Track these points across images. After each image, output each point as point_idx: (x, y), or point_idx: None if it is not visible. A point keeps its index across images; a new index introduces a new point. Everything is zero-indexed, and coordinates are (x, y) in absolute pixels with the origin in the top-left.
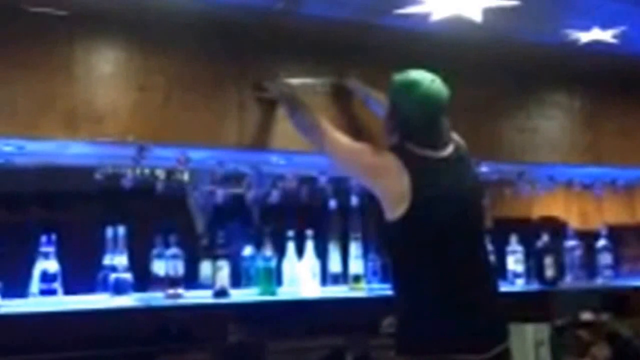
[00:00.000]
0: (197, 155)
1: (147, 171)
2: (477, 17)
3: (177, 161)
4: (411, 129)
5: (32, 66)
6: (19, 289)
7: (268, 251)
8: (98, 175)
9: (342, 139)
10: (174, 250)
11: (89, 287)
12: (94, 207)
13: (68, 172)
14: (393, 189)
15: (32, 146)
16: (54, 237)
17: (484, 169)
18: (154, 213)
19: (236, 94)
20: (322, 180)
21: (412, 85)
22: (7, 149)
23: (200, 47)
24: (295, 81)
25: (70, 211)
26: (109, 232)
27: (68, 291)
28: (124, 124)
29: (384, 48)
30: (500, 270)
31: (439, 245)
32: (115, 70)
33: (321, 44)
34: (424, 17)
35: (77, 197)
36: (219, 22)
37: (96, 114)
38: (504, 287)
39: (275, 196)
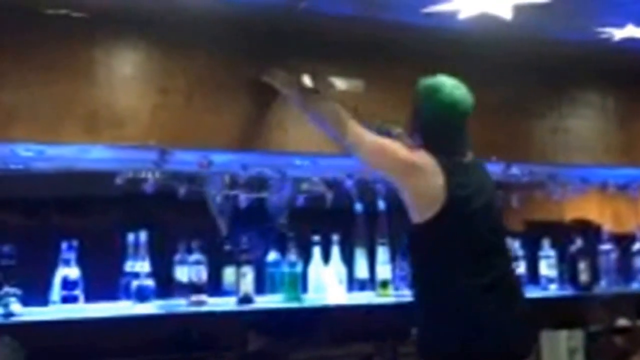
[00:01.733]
0: (219, 158)
1: (169, 175)
2: (507, 14)
3: (199, 165)
4: (433, 133)
5: (52, 69)
6: (40, 297)
7: (293, 256)
8: (119, 180)
9: (369, 133)
10: (196, 256)
11: (111, 294)
12: (115, 213)
13: (89, 177)
14: (426, 189)
15: (52, 151)
16: (75, 243)
17: (514, 170)
18: (177, 218)
19: (259, 95)
20: (349, 183)
21: (437, 89)
22: (28, 154)
23: (222, 47)
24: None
25: (91, 217)
26: (130, 238)
27: (90, 298)
28: (145, 127)
29: (411, 47)
30: (533, 275)
31: (469, 249)
32: (136, 73)
33: (347, 44)
34: (452, 15)
35: (98, 203)
36: (241, 22)
37: (117, 118)
38: (536, 293)
39: (300, 200)
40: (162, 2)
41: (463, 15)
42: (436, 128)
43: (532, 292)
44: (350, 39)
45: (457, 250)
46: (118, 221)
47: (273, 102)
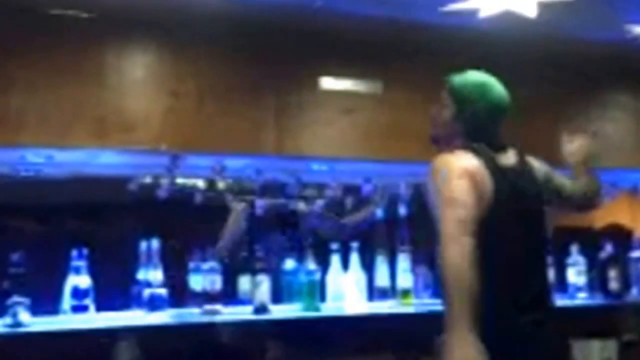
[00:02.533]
0: (233, 163)
1: (184, 181)
2: (531, 12)
3: (212, 170)
4: (479, 131)
5: (61, 73)
6: (50, 306)
7: (311, 264)
8: (132, 186)
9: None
10: (210, 264)
11: (123, 303)
12: (128, 220)
13: (101, 183)
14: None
15: (61, 156)
16: (85, 251)
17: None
18: (190, 225)
19: (274, 98)
20: (367, 188)
21: (490, 88)
22: (37, 159)
23: (235, 50)
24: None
25: (103, 224)
26: (143, 245)
27: (101, 307)
28: (156, 131)
29: (430, 48)
30: (560, 283)
31: (510, 253)
32: (146, 76)
33: (364, 44)
34: (472, 13)
35: (111, 209)
36: (253, 23)
37: (127, 122)
38: (564, 301)
39: (319, 206)
40: (172, 4)
41: (484, 13)
42: (484, 126)
43: (560, 301)
44: (368, 39)
45: (493, 259)
46: (131, 228)
47: (288, 106)
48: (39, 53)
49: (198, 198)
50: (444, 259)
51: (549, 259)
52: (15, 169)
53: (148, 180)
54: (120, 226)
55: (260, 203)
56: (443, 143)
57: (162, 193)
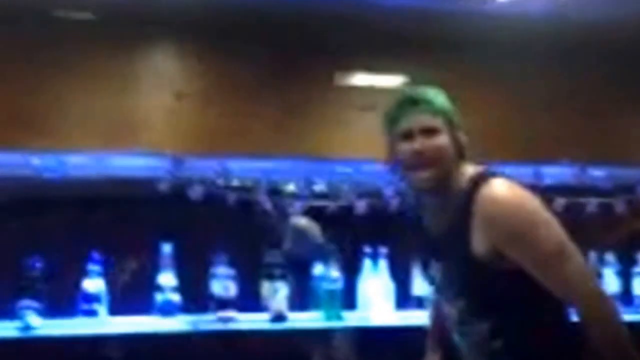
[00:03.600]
0: (239, 166)
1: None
2: None
3: (216, 173)
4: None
5: (64, 76)
6: (66, 309)
7: (334, 271)
8: (162, 187)
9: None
10: (226, 268)
11: (140, 308)
12: (146, 222)
13: (117, 184)
14: None
15: (69, 160)
16: (97, 255)
17: (597, 172)
18: (214, 227)
19: (282, 97)
20: (389, 192)
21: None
22: (49, 163)
23: (242, 47)
24: None
25: (119, 226)
26: (158, 248)
27: (116, 312)
28: (160, 134)
29: (455, 39)
30: (625, 295)
31: None
32: (149, 76)
33: (378, 36)
34: None
35: (127, 211)
36: (261, 15)
37: (129, 124)
38: (629, 315)
39: (360, 208)
40: (177, 2)
41: None
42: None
43: (625, 314)
44: (383, 32)
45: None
46: (149, 231)
47: (300, 105)
48: (41, 55)
49: (231, 199)
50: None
51: (613, 267)
52: (37, 170)
53: (181, 181)
54: (138, 228)
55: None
56: (444, 182)
57: (194, 194)
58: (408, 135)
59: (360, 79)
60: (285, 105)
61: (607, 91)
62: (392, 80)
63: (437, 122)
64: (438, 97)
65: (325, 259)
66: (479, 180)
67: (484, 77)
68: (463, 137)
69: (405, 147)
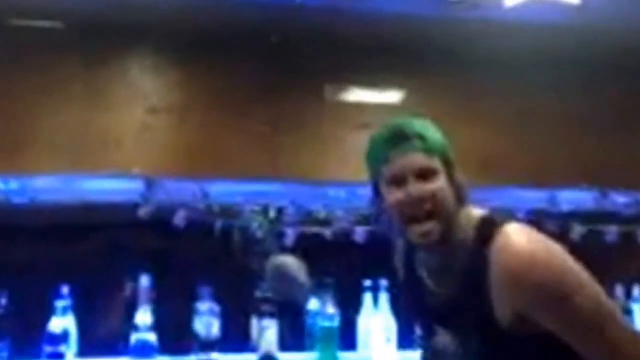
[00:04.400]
0: (218, 189)
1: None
2: None
3: (193, 197)
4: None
5: (20, 88)
6: (31, 349)
7: (330, 307)
8: (141, 212)
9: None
10: (210, 304)
11: (112, 349)
12: (120, 252)
13: (90, 210)
14: None
15: (36, 183)
16: (66, 289)
17: (620, 199)
18: (191, 257)
19: (269, 113)
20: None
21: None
22: (12, 186)
23: (224, 58)
24: None
25: (92, 257)
26: (134, 282)
27: (85, 353)
28: (133, 153)
29: (455, 49)
30: None
31: None
32: (120, 89)
33: (373, 48)
34: (496, 3)
35: (99, 240)
36: (246, 24)
37: (95, 142)
38: None
39: (360, 235)
40: (150, 9)
41: (510, 2)
42: None
43: None
44: (383, 42)
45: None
46: (126, 261)
47: (288, 122)
48: (1, 68)
49: (216, 226)
50: None
51: None
52: (2, 194)
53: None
54: (113, 259)
55: (292, 232)
56: (447, 235)
57: (179, 221)
58: (400, 180)
59: (354, 94)
60: (272, 122)
61: (630, 108)
62: (387, 97)
63: (434, 162)
64: (431, 129)
65: (320, 294)
66: (488, 229)
67: (490, 92)
68: (461, 177)
69: (398, 195)
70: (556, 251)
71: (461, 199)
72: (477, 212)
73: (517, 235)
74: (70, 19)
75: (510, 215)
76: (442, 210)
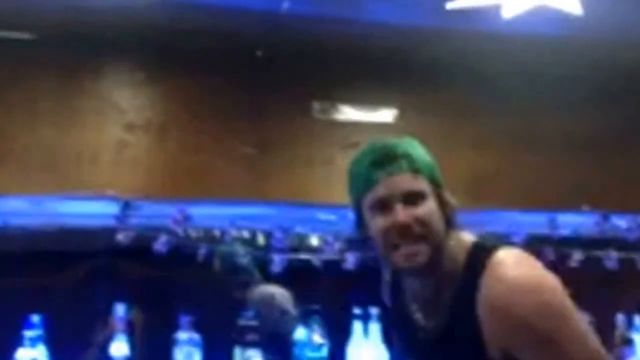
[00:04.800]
0: (200, 212)
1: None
2: (575, 7)
3: (173, 221)
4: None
5: None
6: None
7: (318, 336)
8: (121, 238)
9: None
10: (191, 333)
11: None
12: (96, 280)
13: (64, 235)
14: None
15: (6, 205)
16: (36, 318)
17: (622, 223)
18: (171, 284)
19: (254, 131)
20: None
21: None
22: None
23: (206, 73)
24: None
25: (65, 284)
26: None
27: None
28: (108, 173)
29: (451, 63)
30: None
31: None
32: (95, 104)
33: (364, 63)
34: (493, 13)
35: (74, 266)
36: (229, 37)
37: (73, 162)
38: None
39: (350, 262)
40: (130, 21)
41: (508, 13)
42: None
43: None
44: (376, 55)
45: None
46: (102, 289)
47: (274, 141)
48: None
49: (199, 252)
50: None
51: None
52: None
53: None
54: (88, 287)
55: (278, 259)
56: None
57: (160, 247)
58: (385, 205)
59: (343, 112)
60: (257, 141)
61: (634, 127)
62: (379, 115)
63: (422, 184)
64: (417, 148)
65: (307, 323)
66: (479, 256)
67: (486, 110)
68: (450, 199)
69: (383, 222)
70: (547, 285)
71: (450, 223)
72: (468, 237)
73: (508, 265)
74: (41, 29)
75: (503, 240)
76: (432, 234)
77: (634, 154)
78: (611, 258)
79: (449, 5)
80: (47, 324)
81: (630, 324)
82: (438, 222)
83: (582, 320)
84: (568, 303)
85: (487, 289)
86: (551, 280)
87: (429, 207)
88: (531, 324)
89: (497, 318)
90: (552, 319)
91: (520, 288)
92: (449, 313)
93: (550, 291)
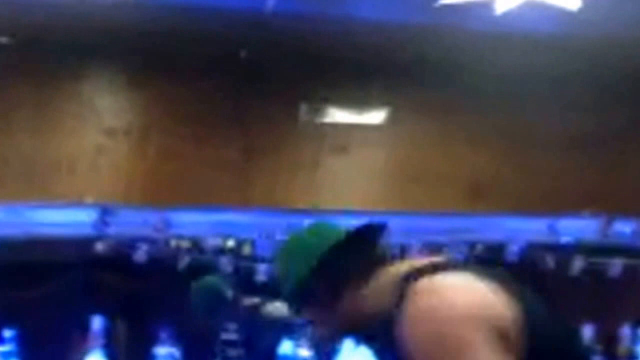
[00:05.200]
0: (183, 219)
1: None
2: (573, 3)
3: (154, 228)
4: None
5: None
6: None
7: (304, 350)
8: (100, 247)
9: None
10: (171, 347)
11: None
12: (72, 291)
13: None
14: None
15: None
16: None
17: (626, 228)
18: (151, 296)
19: (238, 136)
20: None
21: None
22: None
23: (188, 76)
24: None
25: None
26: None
27: None
28: (86, 180)
29: (444, 61)
30: None
31: None
32: (74, 108)
33: (352, 63)
34: (485, 10)
35: (50, 278)
36: (214, 39)
37: (50, 169)
38: None
39: None
40: (110, 24)
41: (501, 9)
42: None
43: None
44: (359, 56)
45: None
46: (79, 301)
47: (257, 146)
48: None
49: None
50: None
51: None
52: None
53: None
54: (65, 299)
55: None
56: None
57: (140, 256)
58: None
59: (331, 114)
60: (241, 146)
61: (637, 131)
62: (367, 117)
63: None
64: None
65: (292, 334)
66: (403, 287)
67: (480, 110)
68: (345, 269)
69: None
70: (445, 315)
71: (359, 276)
72: (402, 268)
73: (417, 295)
74: (18, 34)
75: (450, 263)
76: (325, 323)
77: (634, 156)
78: (614, 265)
79: (442, 0)
80: (20, 339)
81: (635, 336)
82: (326, 314)
83: (490, 354)
84: (471, 336)
85: (397, 321)
86: (455, 312)
87: (310, 315)
88: (421, 354)
89: (401, 348)
90: (442, 350)
91: (416, 319)
92: (382, 350)
93: (445, 322)
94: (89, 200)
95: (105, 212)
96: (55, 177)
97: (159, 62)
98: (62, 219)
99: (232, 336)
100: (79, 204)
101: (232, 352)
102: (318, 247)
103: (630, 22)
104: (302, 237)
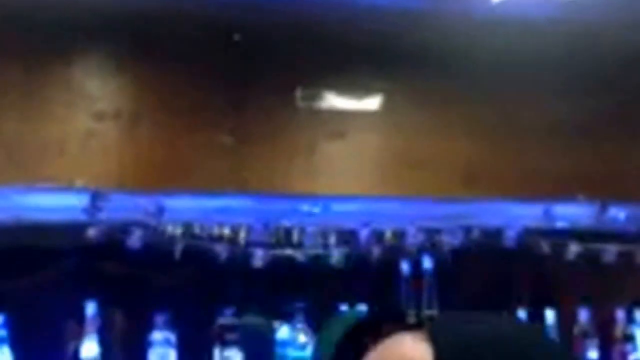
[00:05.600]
0: (175, 204)
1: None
2: None
3: (145, 213)
4: None
5: None
6: None
7: (302, 335)
8: (92, 232)
9: None
10: (166, 332)
11: None
12: (65, 277)
13: (29, 230)
14: None
15: None
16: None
17: (620, 214)
18: (145, 281)
19: (233, 120)
20: (364, 234)
21: None
22: None
23: (180, 59)
24: None
25: (31, 282)
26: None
27: None
28: (76, 164)
29: (436, 48)
30: None
31: None
32: (63, 92)
33: (349, 49)
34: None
35: (41, 262)
36: (207, 21)
37: (33, 151)
38: None
39: (334, 257)
40: (99, 4)
41: None
42: None
43: None
44: (357, 40)
45: None
46: (73, 287)
47: (252, 131)
48: None
49: (176, 247)
50: None
51: None
52: None
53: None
54: (58, 285)
55: (260, 253)
56: None
57: (134, 242)
58: None
59: (328, 99)
60: (236, 130)
61: (632, 113)
62: (365, 103)
63: None
64: None
65: (290, 321)
66: None
67: (477, 96)
68: None
69: None
70: None
71: None
72: None
73: None
74: (6, 15)
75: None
76: None
77: (634, 140)
78: (609, 251)
79: None
80: (11, 325)
81: (630, 319)
82: None
83: None
84: None
85: None
86: None
87: None
88: None
89: None
90: None
91: None
92: None
93: None
94: (80, 183)
95: (96, 196)
96: (45, 160)
97: (150, 45)
98: (53, 203)
99: (230, 321)
100: (69, 187)
101: (229, 336)
102: None
103: (624, 9)
104: None
